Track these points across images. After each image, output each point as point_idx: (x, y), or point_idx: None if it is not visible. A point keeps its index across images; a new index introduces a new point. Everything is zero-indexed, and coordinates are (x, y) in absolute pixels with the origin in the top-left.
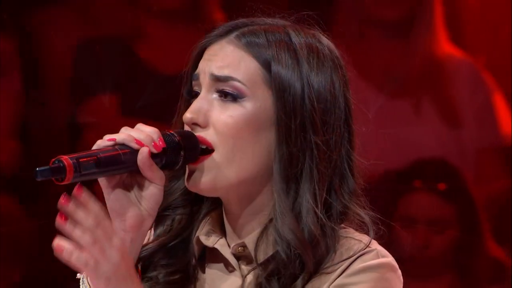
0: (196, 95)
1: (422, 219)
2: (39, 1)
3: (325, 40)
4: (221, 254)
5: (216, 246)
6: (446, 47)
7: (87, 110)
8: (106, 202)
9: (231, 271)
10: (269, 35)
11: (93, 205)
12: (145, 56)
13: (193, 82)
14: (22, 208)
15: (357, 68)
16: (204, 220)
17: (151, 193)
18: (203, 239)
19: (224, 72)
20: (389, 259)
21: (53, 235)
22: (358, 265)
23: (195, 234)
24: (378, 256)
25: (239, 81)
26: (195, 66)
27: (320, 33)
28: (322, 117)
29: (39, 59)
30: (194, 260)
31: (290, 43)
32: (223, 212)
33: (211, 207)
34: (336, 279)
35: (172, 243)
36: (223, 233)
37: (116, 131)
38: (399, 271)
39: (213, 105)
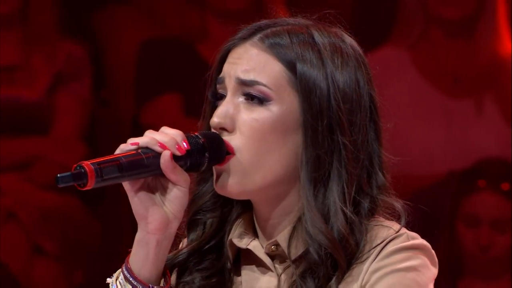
0: (221, 97)
1: (486, 219)
2: (104, 1)
3: (348, 39)
4: (255, 255)
5: (249, 247)
6: (509, 46)
7: (151, 111)
8: (131, 204)
9: (266, 272)
10: (293, 36)
11: None
12: (208, 57)
13: (218, 85)
14: (85, 210)
15: (420, 68)
16: (236, 223)
17: (176, 196)
18: (236, 241)
19: (250, 76)
20: (420, 240)
21: (115, 237)
22: (390, 248)
23: (227, 237)
24: (408, 238)
25: (264, 85)
26: (220, 69)
27: (343, 31)
28: (348, 117)
29: (105, 60)
30: (229, 264)
31: (314, 44)
32: (254, 214)
33: (242, 209)
34: (370, 266)
35: (206, 247)
36: (255, 235)
37: None
38: (433, 252)
39: (239, 109)
